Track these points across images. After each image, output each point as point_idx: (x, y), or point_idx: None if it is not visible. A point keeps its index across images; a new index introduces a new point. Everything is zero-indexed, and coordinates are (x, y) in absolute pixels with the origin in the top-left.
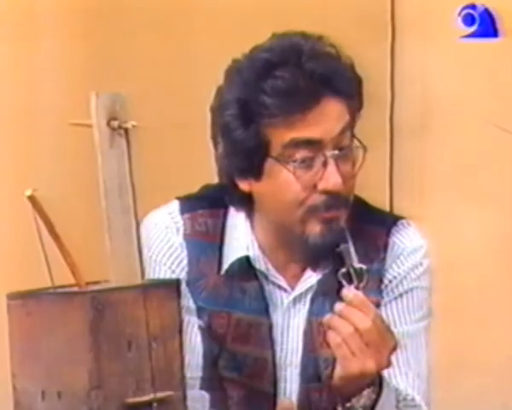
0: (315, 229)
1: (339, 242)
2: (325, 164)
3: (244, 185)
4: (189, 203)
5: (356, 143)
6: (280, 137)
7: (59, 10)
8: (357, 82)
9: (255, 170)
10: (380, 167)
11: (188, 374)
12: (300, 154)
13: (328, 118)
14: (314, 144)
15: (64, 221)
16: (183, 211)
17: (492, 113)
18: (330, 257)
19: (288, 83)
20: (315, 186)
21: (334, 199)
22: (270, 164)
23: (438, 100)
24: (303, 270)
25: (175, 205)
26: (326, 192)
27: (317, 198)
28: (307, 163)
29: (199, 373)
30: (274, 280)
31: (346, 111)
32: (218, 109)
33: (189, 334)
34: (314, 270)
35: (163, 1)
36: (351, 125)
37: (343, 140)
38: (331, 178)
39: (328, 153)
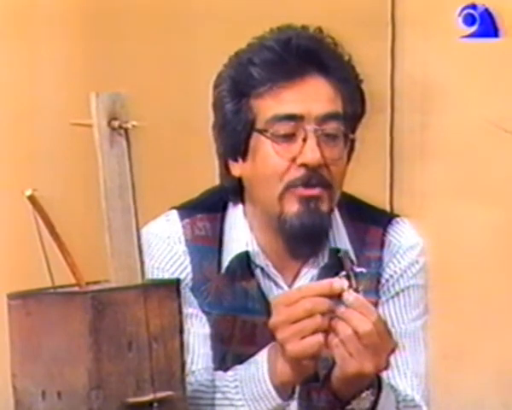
0: (292, 208)
1: (319, 226)
2: (305, 139)
3: (235, 169)
4: (187, 210)
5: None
6: (265, 110)
7: (59, 10)
8: (356, 77)
9: (242, 147)
10: (380, 167)
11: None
12: (282, 128)
13: (313, 96)
14: (296, 119)
15: (64, 221)
16: (182, 218)
17: (493, 113)
18: (310, 244)
19: (274, 53)
20: (294, 160)
21: (314, 176)
22: (254, 139)
23: (438, 100)
24: (300, 267)
25: (173, 214)
26: (305, 166)
27: (295, 172)
28: (289, 137)
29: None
30: (272, 276)
31: (338, 97)
32: (213, 89)
33: (193, 335)
34: (295, 258)
35: (163, 1)
36: (345, 118)
37: (330, 126)
38: (309, 152)
39: (309, 127)
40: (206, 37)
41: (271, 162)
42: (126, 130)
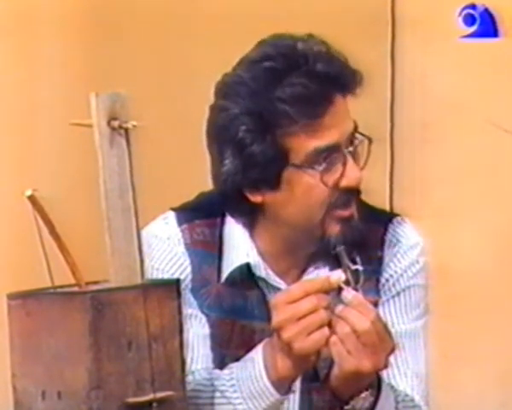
0: (335, 229)
1: (359, 239)
2: (344, 162)
3: (256, 197)
4: (185, 214)
5: (360, 136)
6: (301, 144)
7: (59, 10)
8: (358, 74)
9: (272, 181)
10: (380, 167)
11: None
12: (323, 158)
13: (342, 118)
14: (335, 147)
15: (64, 221)
16: (180, 222)
17: (492, 113)
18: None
19: (305, 88)
20: (337, 185)
21: (351, 195)
22: (289, 172)
23: (438, 100)
24: (302, 273)
25: (171, 216)
26: (348, 189)
27: (336, 196)
28: (329, 165)
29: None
30: (274, 284)
31: (348, 107)
32: (225, 127)
33: (192, 335)
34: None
35: (163, 1)
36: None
37: (356, 139)
38: (352, 174)
39: (346, 150)
40: (206, 37)
41: (315, 193)
42: (126, 130)
